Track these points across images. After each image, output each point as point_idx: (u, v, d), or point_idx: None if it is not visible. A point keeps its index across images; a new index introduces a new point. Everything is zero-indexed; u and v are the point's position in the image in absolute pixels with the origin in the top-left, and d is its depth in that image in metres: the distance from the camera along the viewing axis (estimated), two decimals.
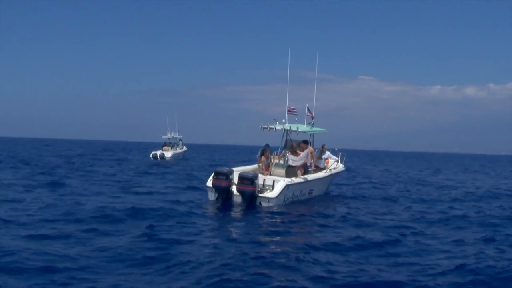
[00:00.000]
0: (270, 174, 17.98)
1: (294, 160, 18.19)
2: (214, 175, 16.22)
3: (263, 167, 18.47)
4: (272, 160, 19.63)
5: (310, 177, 18.30)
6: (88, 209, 13.92)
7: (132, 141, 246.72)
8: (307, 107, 20.99)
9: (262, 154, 18.85)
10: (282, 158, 19.52)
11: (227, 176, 15.92)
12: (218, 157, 65.61)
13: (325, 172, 19.85)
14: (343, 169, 22.44)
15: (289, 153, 18.38)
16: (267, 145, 19.80)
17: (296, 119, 20.31)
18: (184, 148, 54.45)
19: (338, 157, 22.66)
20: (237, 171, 16.75)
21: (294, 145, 18.93)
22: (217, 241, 10.65)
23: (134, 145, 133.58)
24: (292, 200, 16.90)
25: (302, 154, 18.56)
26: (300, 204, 16.94)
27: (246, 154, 77.32)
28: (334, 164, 21.36)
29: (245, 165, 21.52)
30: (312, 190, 18.56)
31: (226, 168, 16.81)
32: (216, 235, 11.43)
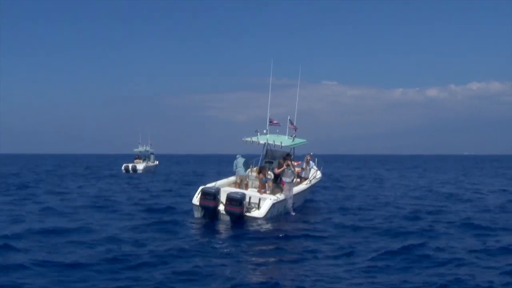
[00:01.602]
0: (265, 193, 17.41)
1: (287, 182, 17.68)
2: (201, 195, 16.07)
3: (260, 185, 17.94)
4: (250, 173, 19.42)
5: (294, 191, 18.13)
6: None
7: (96, 153, 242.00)
8: (289, 119, 20.86)
9: (260, 171, 18.41)
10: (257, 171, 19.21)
11: (215, 196, 15.87)
12: (191, 169, 64.96)
13: (307, 184, 19.82)
14: (321, 176, 22.49)
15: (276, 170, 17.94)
16: (269, 162, 19.76)
17: (277, 130, 20.28)
18: (156, 162, 54.10)
19: (315, 164, 22.56)
20: (223, 191, 16.50)
21: (281, 162, 18.28)
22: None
23: (101, 158, 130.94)
24: (276, 214, 16.77)
25: (288, 173, 17.75)
26: (284, 219, 16.84)
27: (214, 165, 77.24)
28: (314, 173, 21.39)
29: (220, 177, 21.18)
30: (294, 202, 18.38)
31: (214, 187, 16.61)
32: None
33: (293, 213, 17.62)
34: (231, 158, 19.95)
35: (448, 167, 73.90)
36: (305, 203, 20.69)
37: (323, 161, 23.64)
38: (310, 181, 20.44)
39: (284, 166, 17.59)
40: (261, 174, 18.10)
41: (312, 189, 21.38)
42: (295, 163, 19.38)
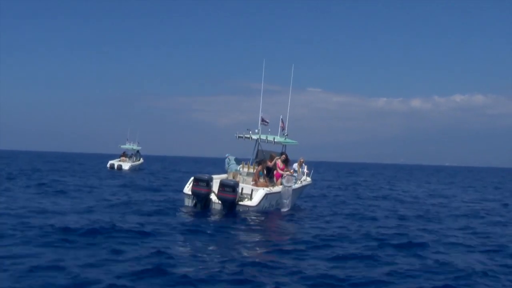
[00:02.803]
0: (256, 186, 17.59)
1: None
2: (193, 182, 16.05)
3: (256, 177, 18.02)
4: (242, 169, 19.73)
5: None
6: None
7: (80, 152, 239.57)
8: (281, 118, 21.15)
9: (260, 164, 18.50)
10: (254, 168, 19.81)
11: (207, 182, 15.82)
12: (179, 168, 65.09)
13: (299, 184, 19.93)
14: (310, 181, 22.63)
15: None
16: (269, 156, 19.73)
17: (269, 130, 20.67)
18: (141, 160, 54.03)
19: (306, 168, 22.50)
20: (216, 179, 16.57)
21: (273, 155, 18.94)
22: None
23: (86, 157, 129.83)
24: (268, 207, 16.97)
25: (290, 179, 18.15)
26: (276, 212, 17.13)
27: (202, 166, 77.36)
28: (305, 178, 21.56)
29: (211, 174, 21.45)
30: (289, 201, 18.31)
31: (206, 175, 16.71)
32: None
33: (285, 210, 17.58)
34: (215, 161, 20.25)
35: (408, 176, 73.98)
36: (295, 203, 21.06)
37: (312, 167, 24.00)
38: (301, 182, 20.59)
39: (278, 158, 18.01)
40: (260, 166, 18.11)
41: (302, 190, 21.45)
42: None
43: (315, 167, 25.19)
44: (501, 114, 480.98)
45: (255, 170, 18.86)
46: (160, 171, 52.98)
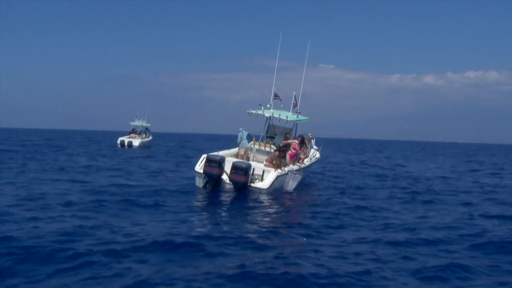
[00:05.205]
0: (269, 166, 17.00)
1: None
2: (206, 162, 15.70)
3: (270, 158, 17.21)
4: (253, 146, 19.51)
5: (296, 167, 18.02)
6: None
7: (95, 129, 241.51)
8: (294, 95, 20.80)
9: (279, 150, 17.23)
10: (265, 145, 19.47)
11: (220, 164, 15.51)
12: (190, 145, 64.93)
13: (308, 161, 19.70)
14: (319, 157, 22.38)
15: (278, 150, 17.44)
16: (271, 137, 19.75)
17: (281, 106, 20.22)
18: (150, 137, 53.78)
19: (314, 144, 22.54)
20: (228, 160, 16.20)
21: (288, 136, 18.58)
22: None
23: (100, 134, 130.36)
24: (279, 187, 16.62)
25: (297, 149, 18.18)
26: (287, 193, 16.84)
27: (214, 142, 76.95)
28: (314, 153, 21.40)
29: (222, 149, 20.68)
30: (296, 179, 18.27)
31: (219, 155, 16.20)
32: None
33: (292, 188, 17.47)
34: (227, 137, 19.89)
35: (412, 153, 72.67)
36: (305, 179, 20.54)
37: (321, 143, 23.49)
38: (310, 159, 20.30)
39: (294, 141, 18.05)
40: (278, 153, 17.00)
41: (310, 166, 21.09)
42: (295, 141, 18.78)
43: (326, 143, 24.53)
44: None
45: (270, 149, 18.72)
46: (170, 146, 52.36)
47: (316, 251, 8.86)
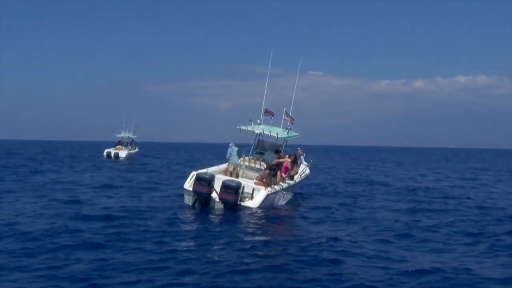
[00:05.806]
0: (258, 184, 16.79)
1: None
2: (195, 180, 15.52)
3: (260, 177, 16.99)
4: (242, 162, 19.18)
5: (286, 185, 17.77)
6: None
7: (79, 140, 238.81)
8: (285, 111, 20.48)
9: (270, 168, 17.05)
10: (255, 161, 19.14)
11: (209, 182, 15.36)
12: (177, 156, 64.27)
13: (297, 178, 19.45)
14: (309, 173, 21.99)
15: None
16: (260, 153, 19.48)
17: (272, 121, 19.91)
18: (137, 149, 53.54)
19: (304, 160, 22.35)
20: (218, 178, 16.07)
21: (281, 155, 18.51)
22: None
23: (85, 146, 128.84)
24: (269, 206, 16.39)
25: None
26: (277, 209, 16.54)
27: (200, 153, 76.52)
28: (304, 169, 21.10)
29: (210, 164, 20.55)
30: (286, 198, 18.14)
31: (208, 173, 16.02)
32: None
33: (283, 203, 17.38)
34: (216, 147, 19.42)
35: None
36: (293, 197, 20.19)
37: (311, 156, 23.20)
38: (300, 175, 20.09)
39: (287, 159, 17.97)
40: (268, 172, 16.84)
41: (300, 184, 20.92)
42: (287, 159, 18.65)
43: (315, 151, 24.30)
44: (505, 94, 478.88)
45: (260, 166, 18.62)
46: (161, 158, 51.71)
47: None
